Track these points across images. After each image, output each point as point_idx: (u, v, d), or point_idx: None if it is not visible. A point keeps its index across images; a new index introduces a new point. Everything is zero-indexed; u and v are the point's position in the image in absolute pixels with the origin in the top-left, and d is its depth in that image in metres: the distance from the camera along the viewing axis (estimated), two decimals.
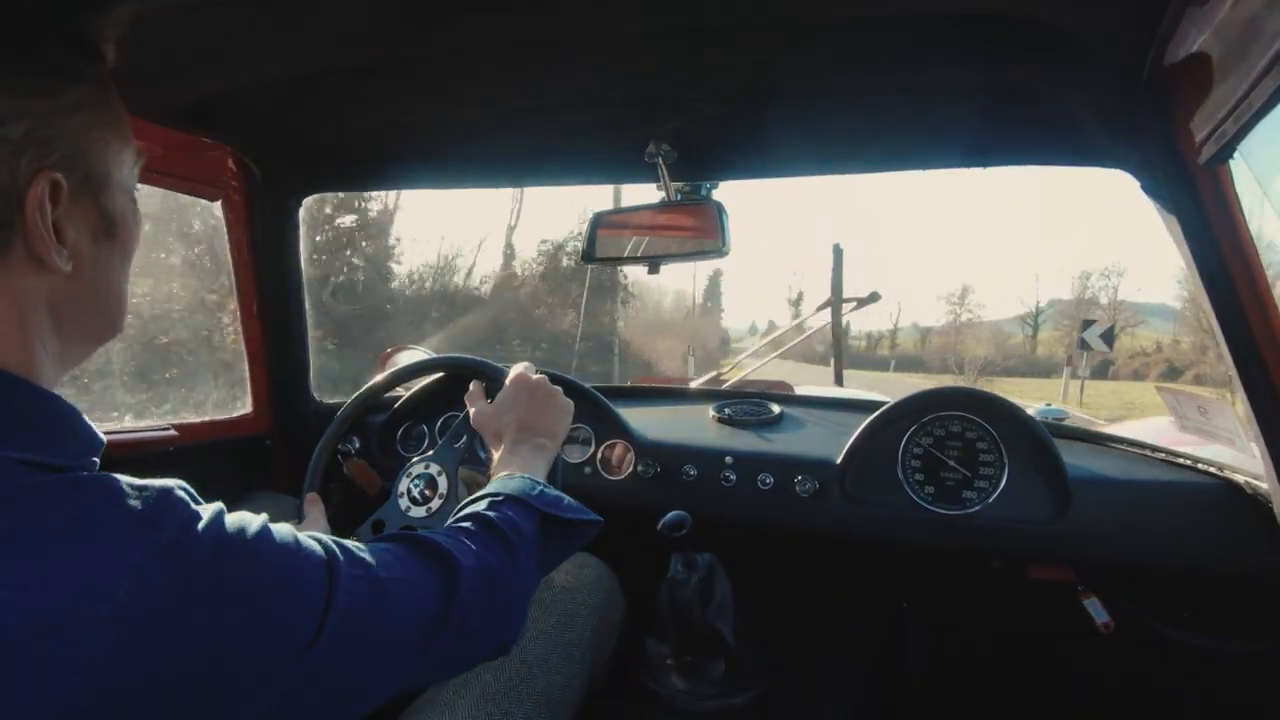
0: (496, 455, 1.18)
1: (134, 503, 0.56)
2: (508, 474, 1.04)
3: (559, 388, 1.28)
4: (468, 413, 1.29)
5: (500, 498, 0.94)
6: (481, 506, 0.93)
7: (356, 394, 1.61)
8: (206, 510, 0.60)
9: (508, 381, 1.27)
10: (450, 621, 0.76)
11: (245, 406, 1.83)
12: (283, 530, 0.65)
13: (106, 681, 0.50)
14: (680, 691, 1.57)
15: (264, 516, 0.65)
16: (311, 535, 0.68)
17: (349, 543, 0.71)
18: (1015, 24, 0.97)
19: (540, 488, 1.00)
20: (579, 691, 1.29)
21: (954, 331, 53.53)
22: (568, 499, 1.01)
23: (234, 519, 0.62)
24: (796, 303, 61.61)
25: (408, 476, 1.38)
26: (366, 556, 0.71)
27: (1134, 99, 1.07)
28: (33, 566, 0.50)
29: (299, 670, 0.60)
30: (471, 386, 1.32)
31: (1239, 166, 1.01)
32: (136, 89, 1.23)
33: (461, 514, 0.92)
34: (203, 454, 1.66)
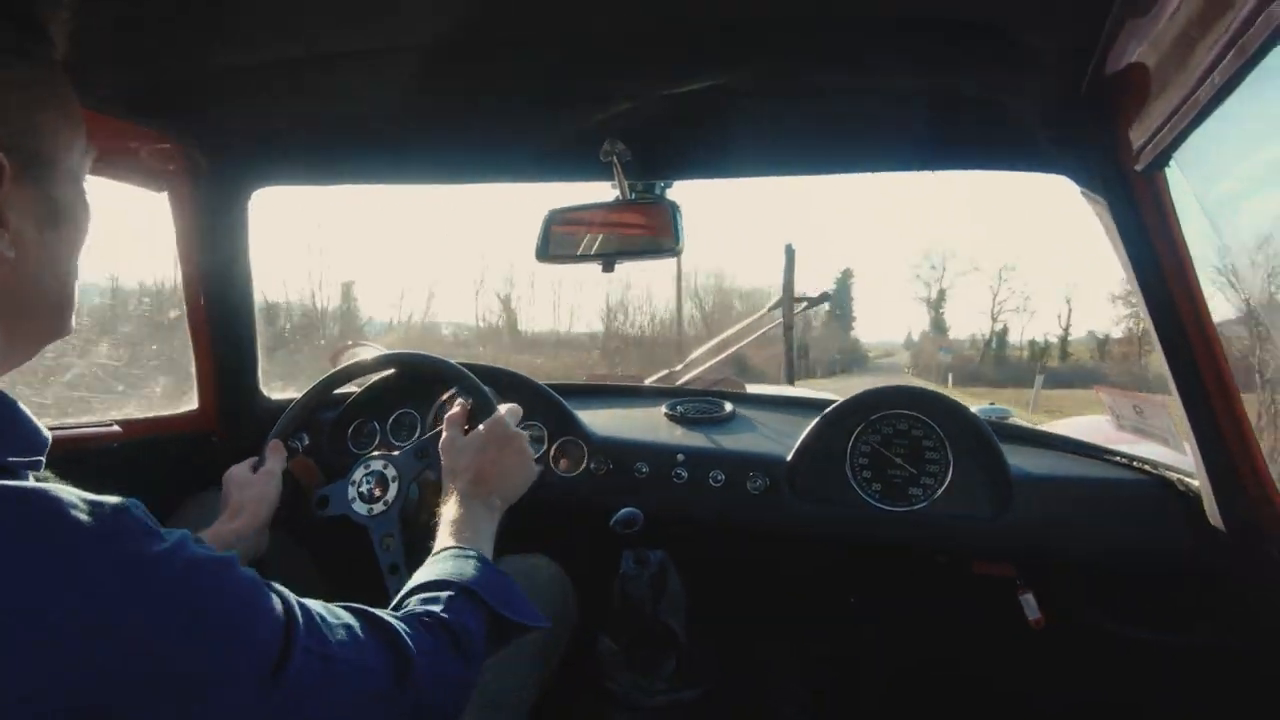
0: (449, 494, 1.16)
1: (86, 517, 0.53)
2: (456, 546, 1.03)
3: (530, 450, 1.26)
4: (439, 432, 1.29)
5: (455, 592, 0.91)
6: (440, 600, 0.89)
7: (322, 380, 1.58)
8: (170, 534, 0.58)
9: (487, 423, 1.25)
10: (395, 711, 0.74)
11: (193, 402, 1.79)
12: (248, 576, 0.63)
13: (50, 693, 0.49)
14: (632, 687, 1.58)
15: (233, 553, 0.63)
16: (275, 590, 0.66)
17: (312, 605, 0.69)
18: (961, 30, 0.99)
19: (497, 578, 0.97)
20: (531, 691, 1.28)
21: (1138, 340, 37.21)
22: (518, 591, 0.99)
23: (199, 549, 0.60)
24: (936, 303, 58.17)
25: (364, 467, 1.39)
26: (324, 631, 0.68)
27: (1075, 107, 1.10)
28: None
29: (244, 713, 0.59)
30: (456, 407, 1.31)
31: (1174, 174, 1.04)
32: (80, 77, 1.19)
33: (417, 598, 0.90)
34: (147, 450, 1.61)
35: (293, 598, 0.67)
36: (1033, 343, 52.98)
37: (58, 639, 0.49)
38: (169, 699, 0.54)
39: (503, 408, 1.29)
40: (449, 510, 1.13)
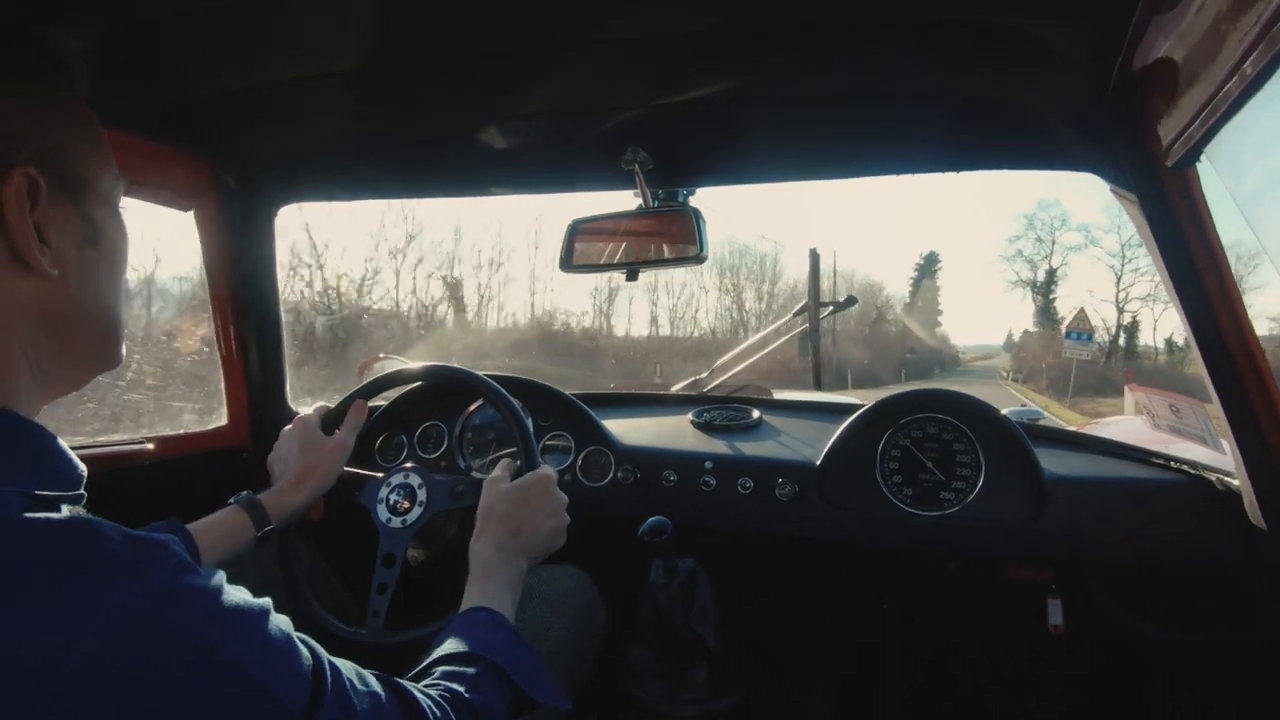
0: (483, 536, 1.16)
1: (122, 551, 0.54)
2: (487, 610, 1.02)
3: (566, 519, 1.26)
4: (476, 480, 1.29)
5: (482, 668, 0.90)
6: (466, 678, 0.88)
7: (361, 387, 1.57)
8: (207, 574, 0.58)
9: (537, 478, 1.25)
10: None
11: (222, 419, 1.81)
12: (281, 629, 0.63)
13: None
14: (663, 697, 1.57)
15: (267, 601, 0.63)
16: (308, 645, 0.65)
17: (342, 668, 0.69)
18: (986, 31, 0.98)
19: (523, 652, 0.97)
20: None
21: None
22: (542, 667, 0.98)
23: (234, 591, 0.60)
24: (1045, 287, 47.34)
25: (401, 475, 1.39)
26: (350, 697, 0.67)
27: (1103, 104, 1.09)
28: (6, 613, 0.48)
29: None
30: (500, 469, 1.30)
31: (1206, 169, 1.03)
32: (107, 98, 1.22)
33: (445, 669, 0.89)
34: (180, 468, 1.63)
35: (324, 656, 0.66)
36: (1170, 342, 41.35)
37: (81, 673, 0.49)
38: None
39: (546, 468, 1.29)
40: (481, 558, 1.13)
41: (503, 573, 1.11)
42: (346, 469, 1.38)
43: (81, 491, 0.63)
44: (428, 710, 0.77)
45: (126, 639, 0.51)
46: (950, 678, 1.92)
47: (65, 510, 0.57)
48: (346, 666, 0.70)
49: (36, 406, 0.66)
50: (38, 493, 0.57)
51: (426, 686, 0.83)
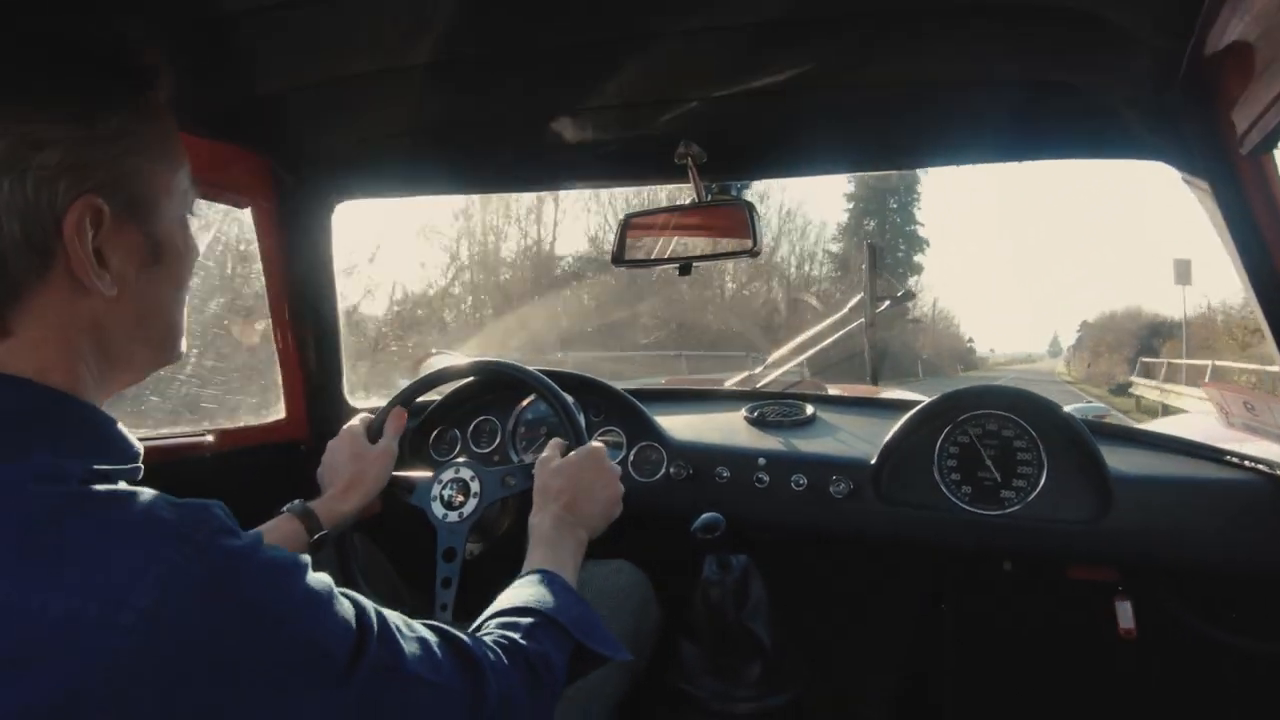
0: (541, 511, 1.17)
1: (168, 515, 0.57)
2: (544, 571, 1.02)
3: (620, 487, 1.27)
4: (532, 463, 1.30)
5: (539, 620, 0.91)
6: (521, 627, 0.89)
7: (412, 384, 1.58)
8: (244, 535, 0.60)
9: (587, 451, 1.27)
10: None
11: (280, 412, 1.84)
12: (322, 581, 0.65)
13: (120, 687, 0.51)
14: (716, 693, 1.56)
15: (306, 557, 0.65)
16: (351, 597, 0.67)
17: (390, 617, 0.70)
18: (1050, 14, 0.95)
19: (581, 608, 0.97)
20: (618, 689, 1.28)
21: None
22: (599, 621, 0.98)
23: (272, 549, 0.62)
24: None
25: (453, 471, 1.40)
26: (400, 644, 0.69)
27: (1173, 89, 1.05)
28: (66, 571, 0.52)
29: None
30: (550, 449, 1.31)
31: None
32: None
33: (498, 622, 0.90)
34: (238, 459, 1.67)
35: (370, 606, 0.68)
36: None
37: (134, 629, 0.51)
38: (230, 696, 0.56)
39: (596, 443, 1.30)
40: (540, 530, 1.14)
41: (562, 542, 1.12)
42: (395, 474, 1.40)
43: (138, 466, 0.66)
44: (481, 654, 0.78)
45: (174, 595, 0.53)
46: (1010, 678, 1.88)
47: (120, 484, 0.60)
48: (393, 615, 0.71)
49: (100, 400, 0.69)
50: (96, 467, 0.60)
51: (481, 635, 0.84)
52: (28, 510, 0.54)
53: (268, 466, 1.74)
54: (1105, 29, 0.95)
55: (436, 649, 0.73)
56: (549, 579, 1.00)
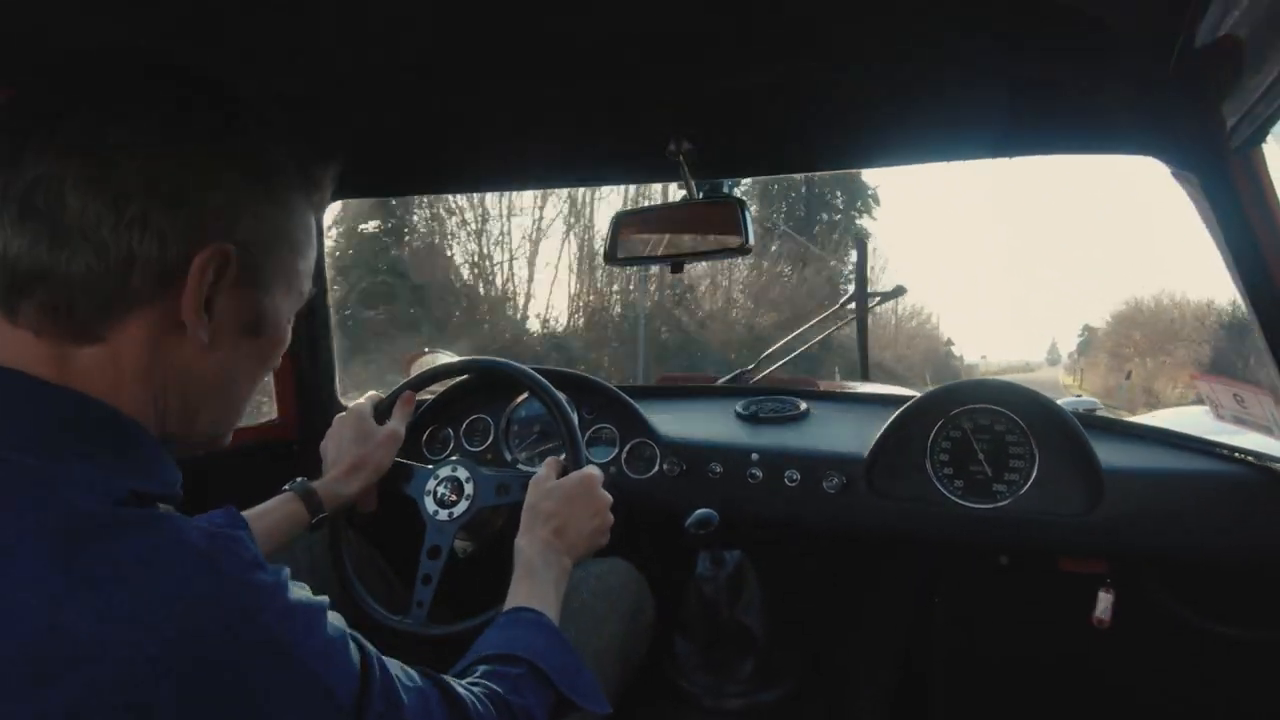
0: (528, 533, 1.18)
1: (202, 544, 0.57)
2: (530, 610, 1.03)
3: (610, 518, 1.28)
4: (524, 475, 1.32)
5: (524, 671, 0.92)
6: (509, 679, 0.90)
7: (408, 381, 1.59)
8: (273, 571, 0.61)
9: (583, 476, 1.28)
10: None
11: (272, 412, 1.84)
12: (337, 627, 0.65)
13: (139, 712, 0.51)
14: (709, 689, 1.57)
15: (325, 599, 0.66)
16: (359, 642, 0.67)
17: (390, 666, 0.71)
18: (1038, 9, 0.95)
19: (566, 657, 0.98)
20: (611, 690, 1.28)
21: None
22: (585, 671, 0.99)
23: (298, 588, 0.63)
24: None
25: (449, 469, 1.41)
26: (401, 696, 0.70)
27: (1163, 84, 1.05)
28: (98, 592, 0.52)
29: None
30: (546, 467, 1.32)
31: (1273, 150, 0.99)
32: None
33: (486, 668, 0.91)
34: (231, 460, 1.66)
35: (373, 653, 0.69)
36: None
37: (159, 658, 0.52)
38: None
39: (592, 468, 1.31)
40: (526, 555, 1.15)
41: (547, 571, 1.13)
42: (396, 460, 1.40)
43: (178, 492, 0.67)
44: (472, 707, 0.79)
45: (201, 627, 0.54)
46: (1002, 672, 1.89)
47: (160, 508, 0.61)
48: (394, 664, 0.72)
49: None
50: (135, 489, 0.60)
51: (469, 684, 0.85)
52: (63, 523, 0.54)
53: (260, 467, 1.74)
54: (1095, 24, 0.96)
55: (432, 702, 0.75)
56: (536, 622, 1.01)
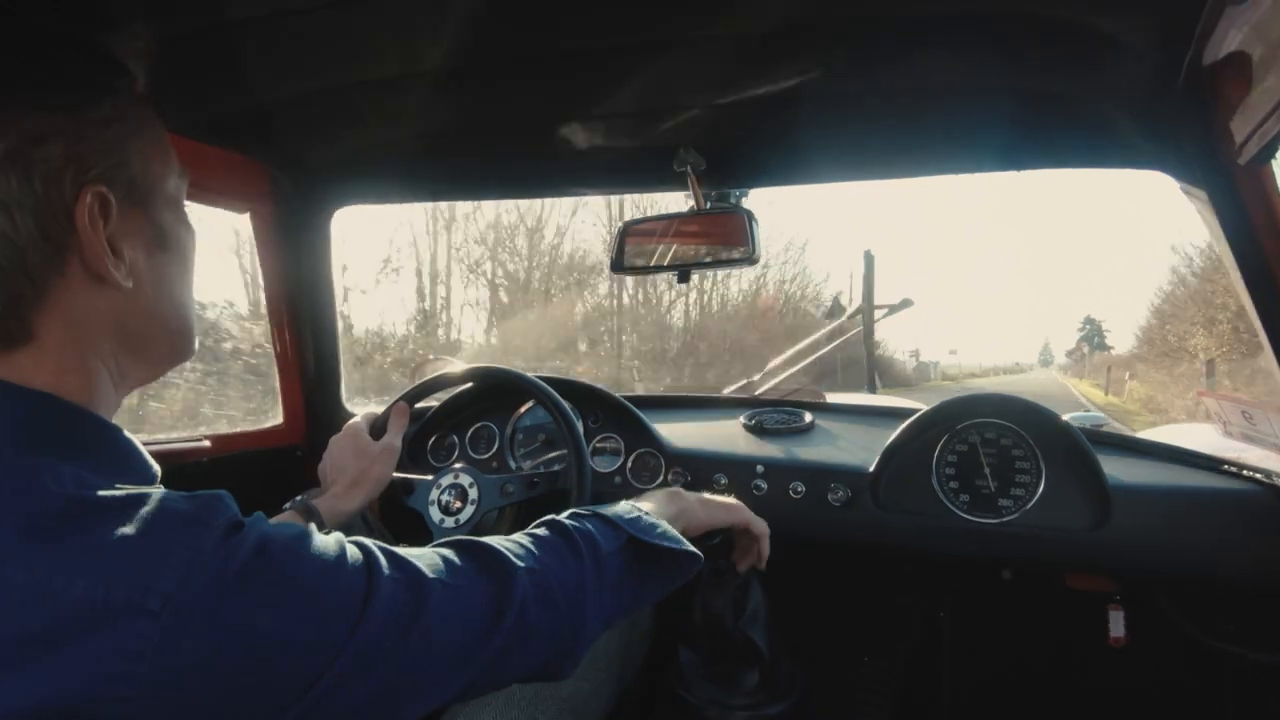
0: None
1: (185, 506, 0.58)
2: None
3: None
4: (530, 472, 1.36)
5: (585, 513, 0.89)
6: (561, 516, 0.88)
7: (413, 389, 1.58)
8: (251, 516, 0.61)
9: None
10: (502, 630, 0.71)
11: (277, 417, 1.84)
12: (323, 537, 0.65)
13: (150, 672, 0.51)
14: (713, 701, 1.56)
15: (309, 525, 0.65)
16: (355, 541, 0.67)
17: (400, 549, 0.70)
18: (1047, 25, 0.96)
19: (639, 514, 0.93)
20: (606, 700, 1.28)
21: None
22: (664, 527, 0.94)
23: (276, 523, 0.63)
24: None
25: (451, 476, 1.41)
26: (413, 561, 0.68)
27: (1171, 99, 1.05)
28: (86, 558, 0.53)
29: (335, 672, 0.59)
30: None
31: None
32: (166, 104, 1.25)
33: (538, 520, 0.88)
34: (235, 465, 1.67)
35: (372, 544, 0.67)
36: None
37: (163, 613, 0.52)
38: (265, 670, 0.56)
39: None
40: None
41: (656, 498, 1.08)
42: (396, 474, 1.39)
43: (159, 488, 0.66)
44: (498, 548, 0.76)
45: (196, 578, 0.54)
46: (1008, 688, 1.88)
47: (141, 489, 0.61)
48: (402, 549, 0.71)
49: (114, 406, 0.70)
50: (117, 484, 0.60)
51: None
52: (46, 505, 0.55)
53: (265, 472, 1.74)
54: (1104, 39, 0.96)
55: (452, 556, 0.73)
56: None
